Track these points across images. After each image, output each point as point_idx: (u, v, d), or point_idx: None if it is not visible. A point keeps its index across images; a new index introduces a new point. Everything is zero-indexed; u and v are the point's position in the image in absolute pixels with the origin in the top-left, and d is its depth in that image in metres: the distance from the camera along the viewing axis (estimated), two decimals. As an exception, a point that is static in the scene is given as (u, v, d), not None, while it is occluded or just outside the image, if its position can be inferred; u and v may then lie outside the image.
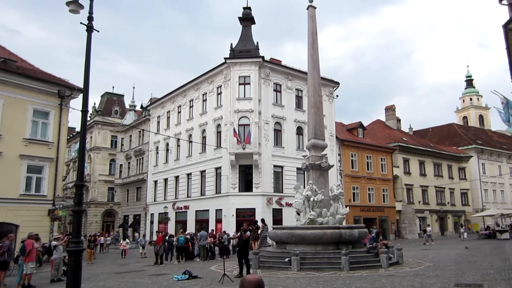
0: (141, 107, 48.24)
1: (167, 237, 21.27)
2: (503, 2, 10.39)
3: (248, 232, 13.73)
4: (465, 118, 78.78)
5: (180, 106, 36.47)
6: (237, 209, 27.95)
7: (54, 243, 15.54)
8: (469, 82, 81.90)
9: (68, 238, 16.99)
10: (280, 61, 33.08)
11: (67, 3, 8.83)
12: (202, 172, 31.98)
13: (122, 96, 56.56)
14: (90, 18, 8.90)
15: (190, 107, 34.95)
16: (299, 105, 32.26)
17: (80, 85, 18.52)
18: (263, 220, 23.06)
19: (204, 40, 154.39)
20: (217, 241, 21.19)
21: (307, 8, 19.68)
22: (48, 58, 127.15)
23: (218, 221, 29.15)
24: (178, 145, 35.61)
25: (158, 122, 39.78)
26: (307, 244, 15.21)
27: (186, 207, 32.87)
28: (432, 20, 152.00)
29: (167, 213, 34.58)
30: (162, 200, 36.42)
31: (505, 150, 55.85)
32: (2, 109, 20.44)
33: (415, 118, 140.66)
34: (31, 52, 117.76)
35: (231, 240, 21.56)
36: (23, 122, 21.12)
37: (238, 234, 14.31)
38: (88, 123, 42.48)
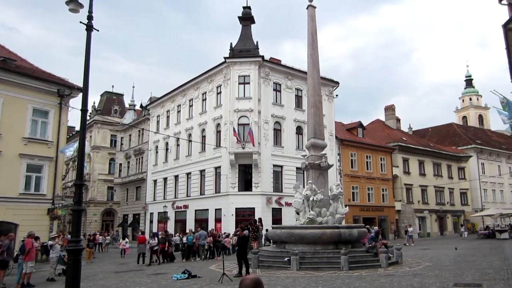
0: (141, 106, 48.21)
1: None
2: (502, 2, 10.40)
3: (246, 231, 13.70)
4: (464, 118, 78.82)
5: (180, 105, 36.46)
6: (236, 208, 27.95)
7: (50, 242, 15.56)
8: (469, 82, 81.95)
9: (62, 237, 17.03)
10: (280, 61, 33.08)
11: (67, 2, 8.77)
12: (202, 172, 31.96)
13: (122, 95, 56.50)
14: (90, 17, 8.87)
15: (190, 106, 34.93)
16: (298, 104, 32.26)
17: (80, 84, 18.48)
18: (260, 220, 23.05)
19: (203, 40, 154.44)
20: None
21: (307, 8, 19.67)
22: (47, 57, 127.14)
23: (218, 220, 29.16)
24: (178, 145, 35.59)
25: (158, 122, 39.76)
26: (307, 243, 15.22)
27: (186, 207, 32.87)
28: (432, 19, 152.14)
29: (167, 212, 34.59)
30: (162, 200, 36.41)
31: (504, 150, 55.87)
32: (1, 108, 20.43)
33: (414, 118, 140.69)
34: (29, 51, 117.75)
35: (231, 239, 21.65)
36: (23, 121, 21.12)
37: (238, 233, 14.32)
38: (87, 122, 42.40)
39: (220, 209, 28.97)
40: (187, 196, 33.31)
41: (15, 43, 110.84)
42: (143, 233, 24.14)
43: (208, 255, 20.82)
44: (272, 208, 28.69)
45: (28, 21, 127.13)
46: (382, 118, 51.88)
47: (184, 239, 21.80)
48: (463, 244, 28.51)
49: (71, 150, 20.97)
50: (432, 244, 29.49)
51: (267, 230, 21.48)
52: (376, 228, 24.64)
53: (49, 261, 15.21)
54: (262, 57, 30.04)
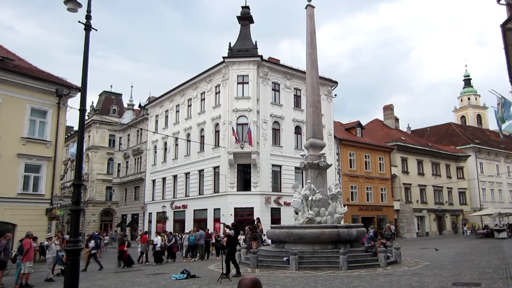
0: (139, 106, 48.11)
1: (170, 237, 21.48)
2: (501, 1, 10.41)
3: (232, 231, 13.62)
4: (463, 117, 78.95)
5: (179, 105, 36.42)
6: (235, 208, 27.93)
7: (45, 243, 15.54)
8: (467, 82, 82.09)
9: (57, 237, 16.99)
10: (279, 60, 33.08)
11: (65, 2, 8.69)
12: (201, 171, 31.94)
13: (120, 95, 56.44)
14: (88, 17, 8.83)
15: (189, 106, 34.89)
16: (297, 104, 32.26)
17: (78, 83, 18.46)
18: (258, 219, 23.00)
19: (202, 39, 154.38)
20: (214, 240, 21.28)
21: (306, 7, 19.67)
22: (46, 57, 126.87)
23: (217, 220, 29.08)
24: (176, 144, 35.56)
25: (156, 121, 39.72)
26: (305, 243, 15.21)
27: (184, 206, 32.84)
28: (430, 17, 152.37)
29: (165, 212, 34.56)
30: (160, 199, 36.38)
31: (502, 150, 56.00)
32: (-1, 108, 20.39)
33: (413, 117, 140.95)
34: (27, 50, 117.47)
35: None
36: (21, 121, 21.05)
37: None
38: (86, 122, 42.25)
39: (219, 209, 28.95)
40: (185, 196, 33.28)
41: (13, 43, 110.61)
42: (146, 232, 24.29)
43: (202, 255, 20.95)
44: (271, 208, 28.67)
45: (26, 20, 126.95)
46: (381, 117, 51.98)
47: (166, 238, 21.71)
48: (462, 243, 28.59)
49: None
50: (430, 243, 29.49)
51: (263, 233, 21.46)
52: (393, 226, 24.97)
53: (46, 261, 15.17)
54: (261, 56, 30.03)
